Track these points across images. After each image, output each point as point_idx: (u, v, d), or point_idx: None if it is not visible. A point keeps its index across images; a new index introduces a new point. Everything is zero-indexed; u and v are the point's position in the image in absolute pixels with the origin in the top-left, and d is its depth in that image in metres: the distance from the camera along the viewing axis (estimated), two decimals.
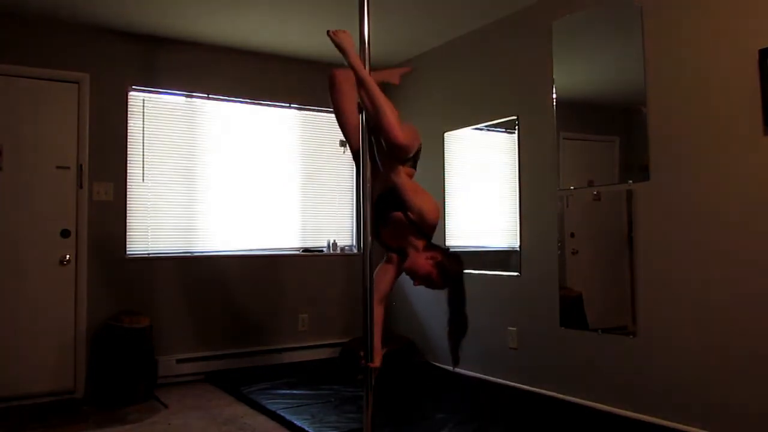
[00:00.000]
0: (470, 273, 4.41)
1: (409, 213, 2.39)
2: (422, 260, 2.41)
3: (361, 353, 2.41)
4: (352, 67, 2.38)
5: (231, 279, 4.76)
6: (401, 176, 2.41)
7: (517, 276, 4.08)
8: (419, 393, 4.03)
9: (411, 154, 2.46)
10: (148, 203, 4.52)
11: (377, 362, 2.44)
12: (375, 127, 2.39)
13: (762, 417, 2.73)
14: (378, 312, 2.52)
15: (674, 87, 3.14)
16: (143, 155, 4.49)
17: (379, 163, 2.47)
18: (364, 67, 2.36)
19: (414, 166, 2.59)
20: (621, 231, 3.40)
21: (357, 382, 2.54)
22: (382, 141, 2.40)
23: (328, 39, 2.47)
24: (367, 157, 2.41)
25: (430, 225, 2.42)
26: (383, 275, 2.57)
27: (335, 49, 2.45)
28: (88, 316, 4.19)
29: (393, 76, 3.05)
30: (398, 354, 4.65)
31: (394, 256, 2.56)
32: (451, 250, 2.53)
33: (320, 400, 3.83)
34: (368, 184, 2.39)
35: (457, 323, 2.46)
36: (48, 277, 4.10)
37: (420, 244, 2.43)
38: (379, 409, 2.56)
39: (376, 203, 2.49)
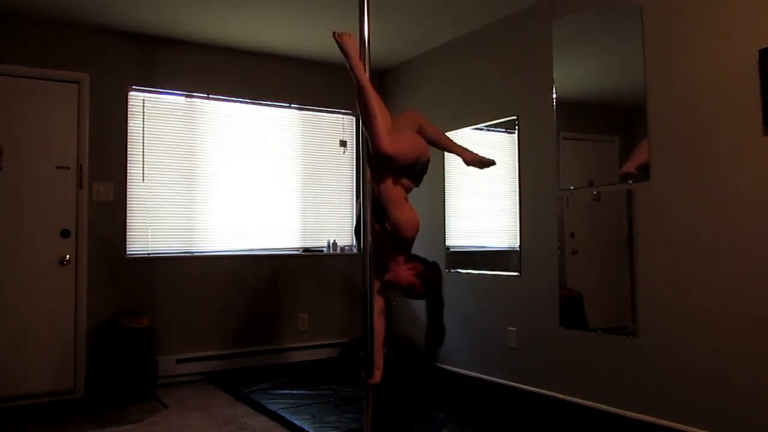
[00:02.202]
0: (470, 273, 4.46)
1: (386, 223, 2.40)
2: (404, 271, 2.44)
3: (362, 372, 2.41)
4: (352, 71, 2.37)
5: (231, 279, 4.76)
6: (386, 186, 2.39)
7: (517, 276, 4.08)
8: (419, 393, 4.03)
9: (400, 165, 2.40)
10: (148, 203, 4.52)
11: (377, 378, 2.44)
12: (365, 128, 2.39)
13: (762, 417, 2.73)
14: (379, 324, 2.52)
15: (674, 87, 3.14)
16: (143, 155, 4.49)
17: (370, 169, 2.45)
18: (365, 72, 2.36)
19: (414, 179, 2.54)
20: (621, 231, 3.40)
21: (357, 382, 2.55)
22: (369, 145, 2.39)
23: (327, 39, 2.48)
24: (367, 157, 2.41)
25: (405, 238, 2.41)
26: (376, 288, 2.57)
27: (336, 49, 2.45)
28: (88, 316, 4.19)
29: (466, 154, 2.89)
30: (398, 354, 4.65)
31: (375, 270, 2.55)
32: (430, 260, 2.55)
33: (320, 400, 3.83)
34: (368, 184, 2.40)
35: (435, 333, 2.50)
36: (48, 277, 4.10)
37: (401, 257, 2.45)
38: (379, 409, 2.56)
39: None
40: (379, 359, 2.48)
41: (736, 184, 2.87)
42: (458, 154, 2.91)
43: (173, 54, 4.62)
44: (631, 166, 3.33)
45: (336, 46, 2.43)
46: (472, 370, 4.38)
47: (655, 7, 3.23)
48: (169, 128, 4.62)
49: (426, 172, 2.58)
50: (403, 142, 2.44)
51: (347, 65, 2.40)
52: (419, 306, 4.87)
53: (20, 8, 3.98)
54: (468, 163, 2.89)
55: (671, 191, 3.14)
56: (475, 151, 2.90)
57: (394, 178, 2.41)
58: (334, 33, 2.43)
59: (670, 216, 3.14)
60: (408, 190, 2.54)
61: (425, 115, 2.79)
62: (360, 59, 2.38)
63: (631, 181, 3.34)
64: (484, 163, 2.88)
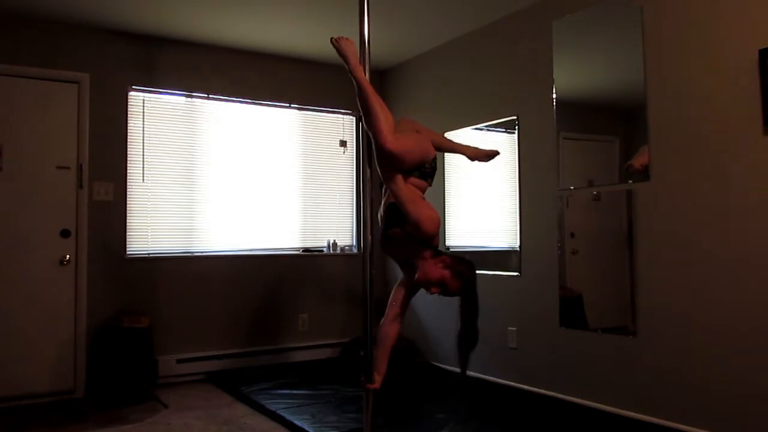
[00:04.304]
0: None
1: (406, 225, 2.35)
2: (432, 266, 2.37)
3: (362, 377, 2.40)
4: (351, 74, 2.38)
5: (231, 279, 4.76)
6: (398, 184, 2.36)
7: (517, 276, 4.08)
8: (419, 393, 4.03)
9: (406, 164, 2.39)
10: (148, 203, 4.51)
11: (378, 384, 2.42)
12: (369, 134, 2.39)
13: (762, 417, 2.73)
14: (392, 330, 2.50)
15: (674, 87, 3.14)
16: (143, 155, 4.49)
17: (380, 174, 2.45)
18: (364, 74, 2.37)
19: (427, 178, 2.52)
20: (621, 231, 3.40)
21: (357, 383, 2.53)
22: (374, 145, 2.39)
23: (327, 39, 2.48)
24: (368, 158, 2.41)
25: (427, 234, 2.36)
26: (396, 295, 2.54)
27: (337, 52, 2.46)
28: (88, 316, 4.19)
29: (468, 150, 2.87)
30: (398, 354, 4.64)
31: (405, 273, 2.52)
32: (462, 256, 2.50)
33: (320, 400, 3.83)
34: (368, 185, 2.40)
35: (468, 335, 2.40)
36: (48, 277, 4.10)
37: (427, 253, 2.38)
38: (379, 409, 2.56)
39: (386, 215, 2.46)
40: (382, 365, 2.47)
41: (735, 184, 2.87)
42: (461, 153, 2.88)
43: (173, 54, 4.62)
44: (636, 162, 3.32)
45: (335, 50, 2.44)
46: (472, 370, 4.37)
47: (655, 7, 3.23)
48: (169, 128, 4.62)
49: (436, 170, 2.57)
50: (406, 141, 2.44)
51: (346, 69, 2.41)
52: (420, 306, 4.87)
53: (20, 8, 3.98)
54: (472, 158, 2.85)
55: (671, 191, 3.14)
56: (476, 146, 2.88)
57: (404, 177, 2.40)
58: (331, 38, 2.45)
59: (670, 216, 3.14)
60: (423, 190, 2.51)
61: (419, 122, 2.80)
62: (359, 62, 2.38)
63: (631, 181, 3.34)
64: (488, 155, 2.83)
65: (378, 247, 2.58)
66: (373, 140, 2.35)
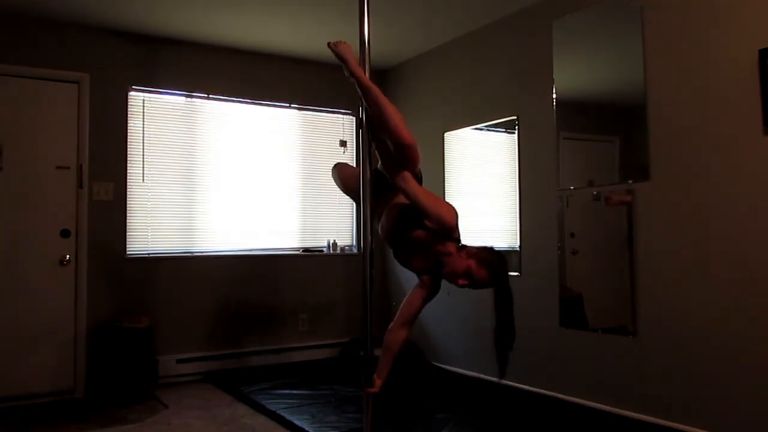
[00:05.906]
0: None
1: (426, 222, 2.32)
2: (457, 258, 2.33)
3: (362, 380, 2.39)
4: (353, 76, 2.37)
5: (231, 279, 4.76)
6: (412, 183, 2.32)
7: (517, 276, 4.08)
8: (420, 393, 4.03)
9: (416, 161, 2.37)
10: (148, 203, 4.51)
11: (378, 387, 2.40)
12: (378, 129, 2.37)
13: (762, 417, 2.73)
14: (399, 335, 2.48)
15: (674, 87, 3.14)
16: (143, 155, 4.49)
17: (387, 175, 2.43)
18: (365, 74, 2.36)
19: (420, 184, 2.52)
20: (621, 231, 3.40)
21: (357, 383, 2.50)
22: (389, 143, 2.36)
23: (327, 39, 2.49)
24: (367, 158, 2.40)
25: (450, 225, 2.32)
26: (412, 298, 2.51)
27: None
28: (88, 316, 4.19)
29: None
30: (399, 354, 4.64)
31: (426, 278, 2.48)
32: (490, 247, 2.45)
33: (320, 400, 3.83)
34: (368, 185, 2.39)
35: (504, 330, 2.35)
36: (48, 277, 4.10)
37: (452, 247, 2.35)
38: (380, 409, 2.55)
39: (397, 220, 2.43)
40: (384, 370, 2.45)
41: (735, 184, 2.87)
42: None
43: (173, 54, 4.62)
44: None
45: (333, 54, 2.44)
46: (471, 370, 4.38)
47: (655, 7, 3.23)
48: (169, 128, 4.62)
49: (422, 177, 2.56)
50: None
51: (346, 72, 2.40)
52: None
53: (20, 8, 3.98)
54: None
55: (671, 191, 3.14)
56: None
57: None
58: (329, 43, 2.45)
59: (670, 216, 3.14)
60: None
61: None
62: (358, 63, 2.38)
63: (631, 181, 3.34)
64: None
65: (378, 248, 2.56)
66: (390, 135, 2.31)
